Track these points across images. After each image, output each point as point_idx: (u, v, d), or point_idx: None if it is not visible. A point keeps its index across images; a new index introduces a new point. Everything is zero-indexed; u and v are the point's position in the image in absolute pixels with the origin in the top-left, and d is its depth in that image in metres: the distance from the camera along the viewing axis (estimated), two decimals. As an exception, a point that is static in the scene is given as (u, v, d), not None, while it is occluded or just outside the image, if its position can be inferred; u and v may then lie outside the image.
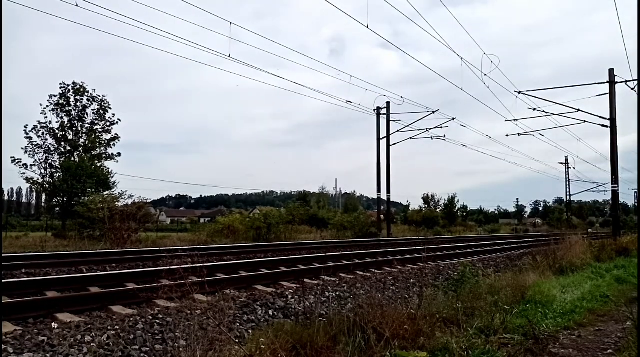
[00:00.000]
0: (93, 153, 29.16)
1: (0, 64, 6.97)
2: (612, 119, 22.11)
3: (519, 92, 23.13)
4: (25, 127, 27.72)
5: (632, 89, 21.52)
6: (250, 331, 5.25)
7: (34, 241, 20.64)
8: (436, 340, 4.71)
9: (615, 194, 22.95)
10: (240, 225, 25.65)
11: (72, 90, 28.72)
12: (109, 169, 28.99)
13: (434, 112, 27.65)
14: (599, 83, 22.55)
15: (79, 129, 28.98)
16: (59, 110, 28.52)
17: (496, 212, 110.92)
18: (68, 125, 28.69)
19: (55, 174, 28.36)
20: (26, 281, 6.66)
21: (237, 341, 4.10)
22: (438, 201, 66.12)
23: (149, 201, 26.93)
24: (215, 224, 28.07)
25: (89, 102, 29.05)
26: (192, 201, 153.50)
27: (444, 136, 29.74)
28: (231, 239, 23.53)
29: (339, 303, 6.22)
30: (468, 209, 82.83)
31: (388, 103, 30.01)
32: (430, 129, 29.28)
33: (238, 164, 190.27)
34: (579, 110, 22.78)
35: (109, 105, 29.49)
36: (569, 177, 54.90)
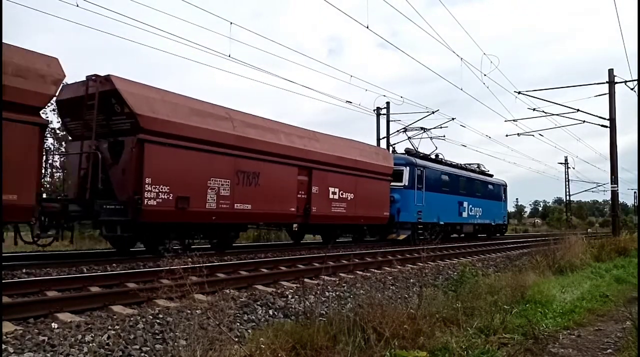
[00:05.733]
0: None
1: (0, 64, 6.97)
2: (612, 119, 22.11)
3: (519, 92, 23.13)
4: (25, 127, 27.77)
5: (632, 89, 21.52)
6: (250, 331, 5.26)
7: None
8: (436, 340, 4.72)
9: (614, 194, 22.95)
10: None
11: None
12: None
13: (433, 113, 27.62)
14: (598, 83, 22.57)
15: (79, 128, 29.01)
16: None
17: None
18: (68, 125, 28.74)
19: (55, 174, 28.35)
20: (26, 281, 6.67)
21: (237, 340, 4.11)
22: (438, 201, 66.03)
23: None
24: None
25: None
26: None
27: (444, 136, 29.75)
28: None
29: (339, 303, 6.23)
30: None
31: (388, 103, 29.96)
32: (430, 129, 29.35)
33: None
34: (578, 110, 22.79)
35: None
36: (568, 177, 54.80)
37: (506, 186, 29.84)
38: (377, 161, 16.95)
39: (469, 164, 26.06)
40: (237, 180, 11.41)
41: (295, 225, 14.42)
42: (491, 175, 28.21)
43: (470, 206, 23.40)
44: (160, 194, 9.66)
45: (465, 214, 22.84)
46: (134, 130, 9.46)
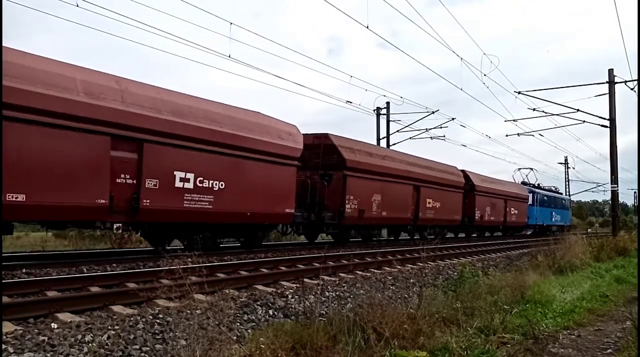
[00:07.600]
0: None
1: (0, 64, 6.98)
2: (612, 119, 22.10)
3: (519, 92, 23.16)
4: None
5: (632, 89, 21.50)
6: (250, 331, 5.26)
7: (35, 241, 20.62)
8: (436, 339, 4.72)
9: (614, 194, 22.96)
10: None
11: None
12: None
13: (433, 113, 27.66)
14: (598, 83, 22.58)
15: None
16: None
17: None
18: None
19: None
20: (26, 281, 6.67)
21: (237, 340, 4.12)
22: (438, 201, 65.96)
23: (149, 200, 26.85)
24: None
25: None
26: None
27: (444, 136, 29.82)
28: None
29: (339, 303, 6.24)
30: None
31: (388, 103, 29.95)
32: (430, 129, 29.38)
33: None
34: (578, 110, 22.79)
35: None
36: (568, 177, 54.76)
37: (571, 199, 48.79)
38: (522, 192, 31.68)
39: (549, 186, 40.98)
40: (490, 206, 25.68)
41: (500, 226, 29.23)
42: (561, 193, 43.48)
43: (555, 213, 38.85)
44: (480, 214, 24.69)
45: (553, 219, 38.20)
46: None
